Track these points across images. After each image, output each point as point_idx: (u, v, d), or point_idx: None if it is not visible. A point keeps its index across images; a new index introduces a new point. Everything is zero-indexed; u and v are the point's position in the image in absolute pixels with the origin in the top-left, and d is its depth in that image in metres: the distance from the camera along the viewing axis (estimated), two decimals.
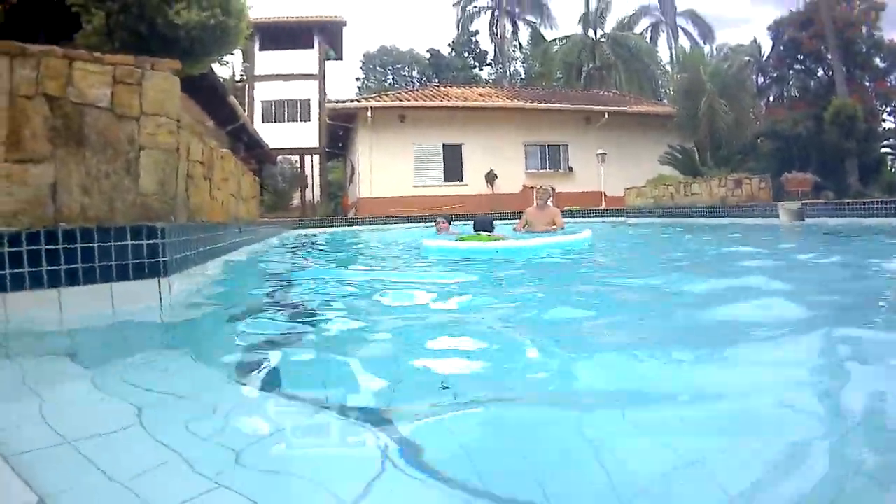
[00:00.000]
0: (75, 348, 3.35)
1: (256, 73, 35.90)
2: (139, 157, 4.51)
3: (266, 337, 3.64)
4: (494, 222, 11.11)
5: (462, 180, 31.06)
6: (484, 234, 10.27)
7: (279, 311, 4.63)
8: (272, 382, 2.68)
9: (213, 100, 16.12)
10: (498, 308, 4.76)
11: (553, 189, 26.72)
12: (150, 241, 4.26)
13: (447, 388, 2.56)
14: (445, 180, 30.95)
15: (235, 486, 1.63)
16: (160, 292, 4.32)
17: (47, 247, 3.90)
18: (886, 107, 32.14)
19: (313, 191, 35.20)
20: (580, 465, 1.81)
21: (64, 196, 4.21)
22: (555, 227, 12.37)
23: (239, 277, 6.74)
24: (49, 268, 3.91)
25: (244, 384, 2.68)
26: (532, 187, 28.02)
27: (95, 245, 4.07)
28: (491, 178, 30.44)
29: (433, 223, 13.59)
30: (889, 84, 31.91)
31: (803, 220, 14.98)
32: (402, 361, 3.17)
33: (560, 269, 7.96)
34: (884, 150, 28.36)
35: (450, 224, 12.80)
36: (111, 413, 2.22)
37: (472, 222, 11.11)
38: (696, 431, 2.02)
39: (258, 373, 2.82)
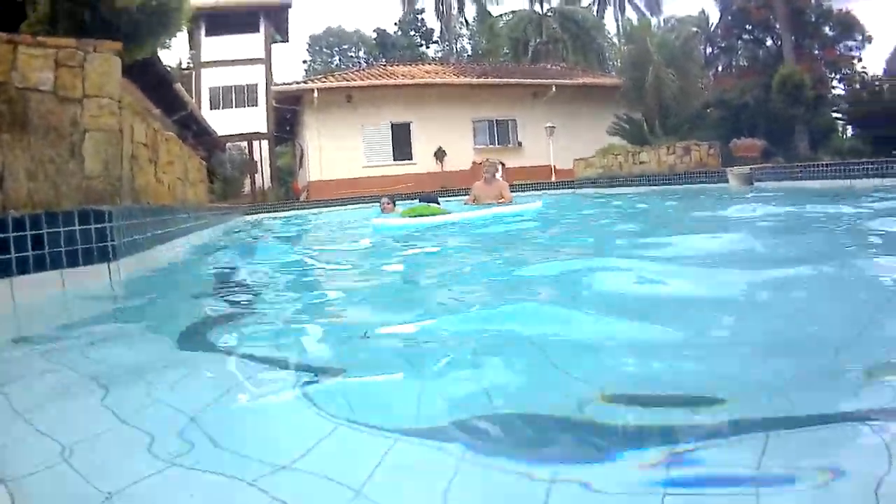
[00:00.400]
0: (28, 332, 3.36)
1: (203, 59, 35.38)
2: (83, 140, 4.50)
3: (217, 312, 3.70)
4: (440, 198, 11.40)
5: (412, 159, 30.99)
6: (426, 205, 10.54)
7: (228, 290, 4.68)
8: (224, 348, 2.76)
9: (160, 88, 15.95)
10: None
11: (502, 164, 26.93)
12: (98, 225, 4.26)
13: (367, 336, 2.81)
14: (395, 159, 30.83)
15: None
16: (110, 277, 4.32)
17: None
18: (836, 74, 32.68)
19: (262, 177, 34.88)
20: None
21: (10, 182, 4.18)
22: (502, 200, 12.48)
23: (189, 262, 6.76)
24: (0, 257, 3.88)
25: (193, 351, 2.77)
26: (481, 163, 28.19)
27: (44, 232, 4.04)
28: (440, 155, 30.39)
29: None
30: (838, 52, 32.45)
31: (752, 184, 15.18)
32: (346, 325, 3.34)
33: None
34: (834, 115, 28.85)
35: (394, 204, 12.86)
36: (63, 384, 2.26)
37: (417, 198, 11.41)
38: None
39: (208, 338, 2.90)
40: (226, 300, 4.20)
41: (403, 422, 1.77)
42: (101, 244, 4.27)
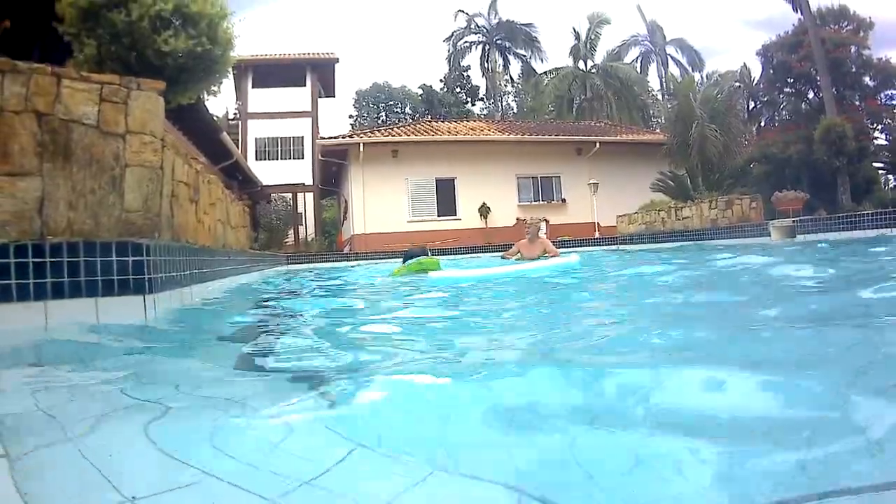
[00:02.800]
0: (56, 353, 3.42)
1: (250, 110, 36.22)
2: (124, 174, 4.61)
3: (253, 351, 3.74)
4: (428, 251, 11.68)
5: (456, 214, 31.14)
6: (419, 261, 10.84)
7: (265, 333, 4.71)
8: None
9: (206, 136, 16.32)
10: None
11: (546, 220, 26.95)
12: (136, 258, 4.33)
13: None
14: (439, 215, 31.00)
15: None
16: (145, 309, 4.38)
17: (34, 259, 3.98)
18: (877, 125, 32.47)
19: (306, 228, 35.22)
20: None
21: (50, 210, 4.30)
22: (547, 254, 12.56)
23: (226, 303, 6.83)
24: (35, 280, 3.98)
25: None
26: (524, 221, 28.23)
27: (81, 259, 4.14)
28: (484, 211, 30.51)
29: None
30: (880, 102, 32.28)
31: (794, 237, 15.00)
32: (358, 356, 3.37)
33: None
34: (876, 166, 28.58)
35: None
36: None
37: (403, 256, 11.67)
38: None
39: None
40: (262, 339, 4.24)
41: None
42: (136, 276, 4.33)
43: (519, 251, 13.17)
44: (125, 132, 4.66)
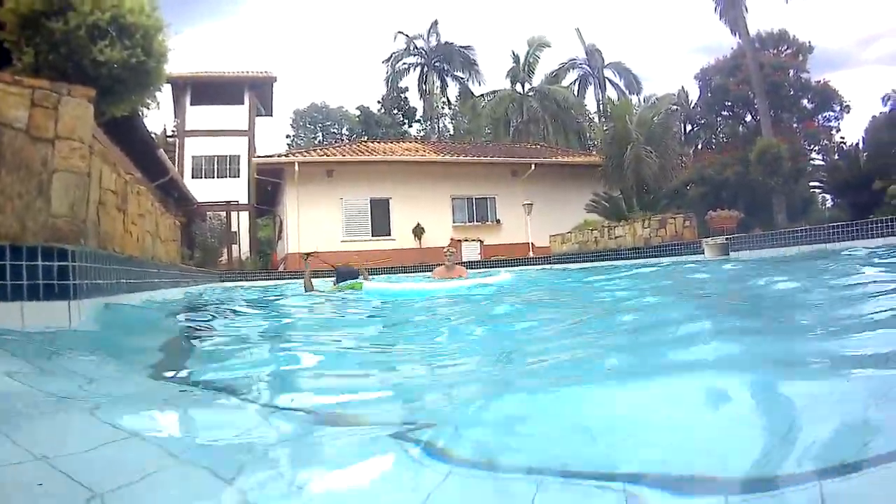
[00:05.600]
0: None
1: (187, 128, 35.97)
2: (51, 179, 4.62)
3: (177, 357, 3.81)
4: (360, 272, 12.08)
5: (390, 234, 31.31)
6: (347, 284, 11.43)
7: (189, 341, 4.78)
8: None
9: (143, 152, 16.19)
10: None
11: (481, 241, 27.14)
12: (61, 263, 4.35)
13: None
14: (373, 235, 31.16)
15: None
16: (69, 314, 4.38)
17: None
18: (815, 146, 33.35)
19: (240, 247, 34.91)
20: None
21: None
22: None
23: (151, 313, 6.83)
24: None
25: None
26: (459, 241, 28.43)
27: (7, 263, 4.16)
28: (419, 231, 30.69)
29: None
30: (817, 124, 33.17)
31: (728, 254, 15.37)
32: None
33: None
34: (812, 186, 29.24)
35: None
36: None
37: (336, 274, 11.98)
38: None
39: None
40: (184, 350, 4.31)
41: None
42: (62, 281, 4.35)
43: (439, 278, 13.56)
44: (54, 137, 4.67)
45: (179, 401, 2.58)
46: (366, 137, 48.69)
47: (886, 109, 28.59)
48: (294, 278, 22.04)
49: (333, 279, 12.57)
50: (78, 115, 4.84)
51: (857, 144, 26.20)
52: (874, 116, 27.64)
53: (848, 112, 33.82)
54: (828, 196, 29.40)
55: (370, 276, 13.14)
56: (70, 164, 4.73)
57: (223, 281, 21.00)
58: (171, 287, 10.21)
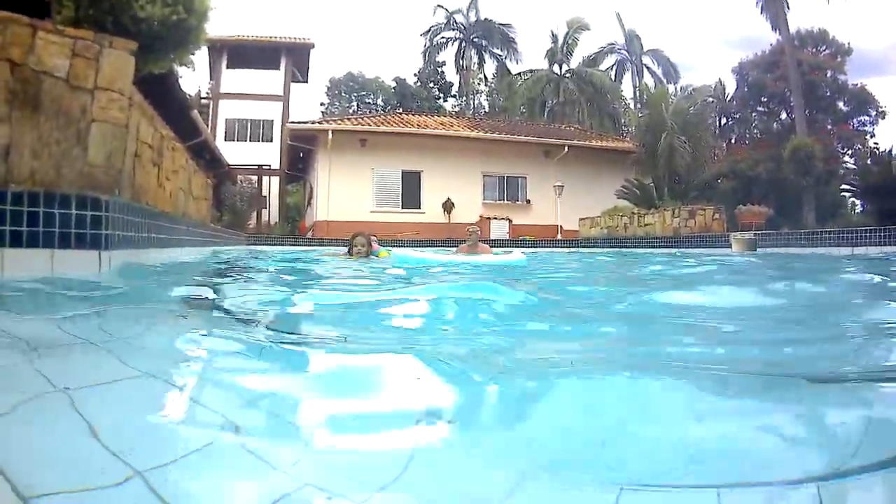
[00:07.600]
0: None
1: (222, 90, 35.98)
2: (90, 129, 4.65)
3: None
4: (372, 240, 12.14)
5: (419, 208, 31.24)
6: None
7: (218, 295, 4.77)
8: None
9: (177, 112, 16.20)
10: None
11: (510, 220, 27.05)
12: (94, 213, 4.35)
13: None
14: (403, 207, 31.12)
15: None
16: (100, 264, 4.41)
17: None
18: (848, 149, 32.93)
19: (270, 212, 35.00)
20: None
21: (15, 157, 4.35)
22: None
23: (182, 269, 6.86)
24: None
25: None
26: (488, 219, 28.36)
27: (41, 210, 4.16)
28: (448, 206, 30.63)
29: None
30: (852, 127, 32.74)
31: (755, 250, 15.20)
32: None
33: None
34: (843, 189, 28.93)
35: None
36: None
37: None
38: None
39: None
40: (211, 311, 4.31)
41: None
42: (94, 231, 4.36)
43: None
44: (94, 87, 4.70)
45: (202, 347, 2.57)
46: (400, 109, 48.54)
47: None
48: (321, 245, 22.12)
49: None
50: (118, 67, 4.87)
51: (891, 151, 25.82)
52: None
53: (883, 118, 33.46)
54: (857, 201, 29.05)
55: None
56: (109, 114, 4.76)
57: (251, 244, 21.05)
58: (200, 246, 10.25)
